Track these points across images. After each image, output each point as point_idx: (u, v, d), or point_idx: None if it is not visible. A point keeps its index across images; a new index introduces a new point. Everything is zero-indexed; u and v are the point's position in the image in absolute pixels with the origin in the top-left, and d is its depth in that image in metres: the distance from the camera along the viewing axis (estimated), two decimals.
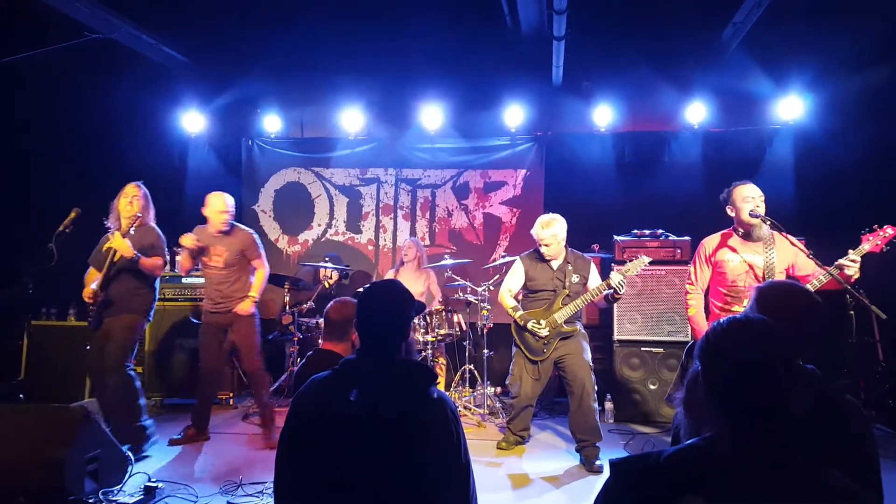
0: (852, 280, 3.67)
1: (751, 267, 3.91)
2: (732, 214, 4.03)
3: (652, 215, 6.36)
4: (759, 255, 3.92)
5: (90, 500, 3.60)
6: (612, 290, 4.54)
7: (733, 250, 3.99)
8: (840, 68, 6.20)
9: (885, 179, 6.01)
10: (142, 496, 3.80)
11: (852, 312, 5.43)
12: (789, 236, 3.91)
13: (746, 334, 1.41)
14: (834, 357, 5.62)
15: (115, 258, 4.61)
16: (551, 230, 4.70)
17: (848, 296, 5.10)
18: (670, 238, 5.99)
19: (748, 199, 3.92)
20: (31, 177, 7.17)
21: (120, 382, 4.62)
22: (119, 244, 4.53)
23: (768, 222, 3.88)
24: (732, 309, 3.87)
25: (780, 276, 3.83)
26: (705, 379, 1.40)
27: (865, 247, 3.70)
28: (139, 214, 4.74)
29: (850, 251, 3.72)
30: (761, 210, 3.91)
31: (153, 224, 4.95)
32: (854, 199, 5.95)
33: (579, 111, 6.98)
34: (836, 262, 3.68)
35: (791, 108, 6.46)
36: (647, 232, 6.07)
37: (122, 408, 4.65)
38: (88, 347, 4.82)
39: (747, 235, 3.97)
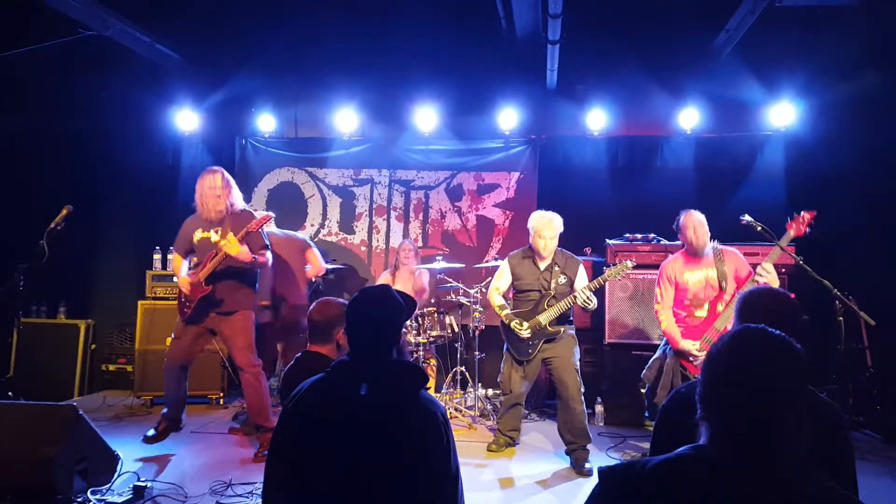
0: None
1: (707, 280, 4.41)
2: (683, 240, 4.54)
3: (644, 219, 6.35)
4: (711, 268, 4.42)
5: (78, 500, 3.60)
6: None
7: (690, 269, 4.49)
8: (831, 75, 6.24)
9: (874, 185, 6.05)
10: (131, 496, 3.79)
11: (841, 319, 5.43)
12: (727, 248, 4.50)
13: (766, 346, 1.35)
14: (823, 363, 5.65)
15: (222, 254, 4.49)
16: (554, 230, 4.72)
17: (837, 302, 5.15)
18: (662, 242, 6.01)
19: (698, 227, 4.44)
20: (22, 173, 7.14)
21: (252, 378, 4.68)
22: (237, 250, 4.40)
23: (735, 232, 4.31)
24: (695, 314, 4.45)
25: (732, 283, 4.35)
26: (712, 389, 1.35)
27: (791, 233, 4.19)
28: (238, 208, 4.72)
29: (779, 241, 4.18)
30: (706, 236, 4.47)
31: (247, 207, 4.86)
32: (844, 205, 5.99)
33: (573, 115, 7.00)
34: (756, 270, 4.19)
35: (783, 114, 6.48)
36: (638, 236, 6.09)
37: (254, 403, 4.70)
38: (175, 336, 4.76)
39: (696, 255, 4.47)
